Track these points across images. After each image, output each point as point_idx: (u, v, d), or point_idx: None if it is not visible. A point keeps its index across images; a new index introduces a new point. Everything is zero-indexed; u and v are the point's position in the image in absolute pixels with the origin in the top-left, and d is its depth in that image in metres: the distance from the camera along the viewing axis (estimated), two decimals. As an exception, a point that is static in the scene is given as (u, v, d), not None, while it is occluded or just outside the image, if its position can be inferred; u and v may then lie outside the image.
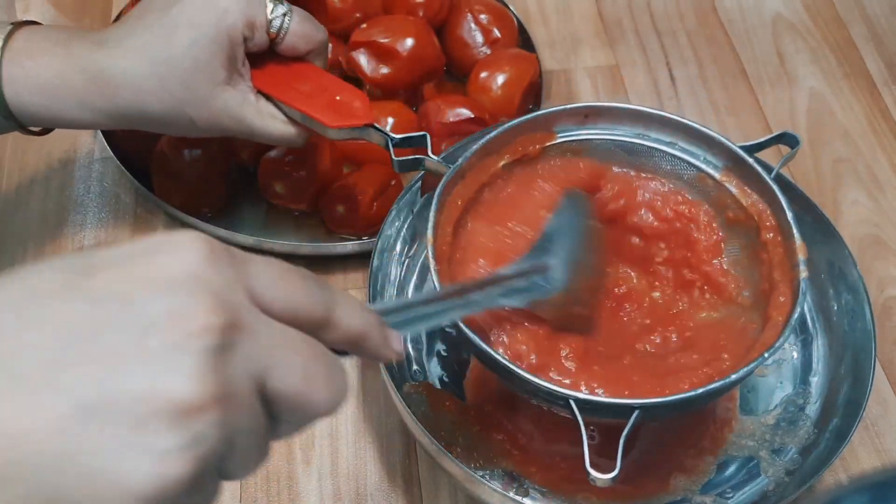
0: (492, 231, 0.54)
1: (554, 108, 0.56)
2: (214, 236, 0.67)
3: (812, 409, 0.58)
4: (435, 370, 0.60)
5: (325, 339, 0.31)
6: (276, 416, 0.30)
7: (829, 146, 0.76)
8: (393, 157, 0.56)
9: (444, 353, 0.61)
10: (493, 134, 0.54)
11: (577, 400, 0.45)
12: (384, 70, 0.71)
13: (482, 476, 0.52)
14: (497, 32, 0.75)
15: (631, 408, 0.45)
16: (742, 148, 0.54)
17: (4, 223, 0.69)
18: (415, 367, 0.59)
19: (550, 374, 0.49)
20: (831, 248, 0.59)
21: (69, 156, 0.72)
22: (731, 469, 0.56)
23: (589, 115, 0.56)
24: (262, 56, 0.56)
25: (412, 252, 0.62)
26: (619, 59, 0.81)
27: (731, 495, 0.55)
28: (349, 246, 0.65)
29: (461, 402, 0.58)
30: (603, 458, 0.44)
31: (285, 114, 0.56)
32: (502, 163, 0.55)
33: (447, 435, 0.55)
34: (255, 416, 0.28)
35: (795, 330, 0.61)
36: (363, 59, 0.71)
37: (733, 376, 0.46)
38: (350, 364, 0.62)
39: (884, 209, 0.72)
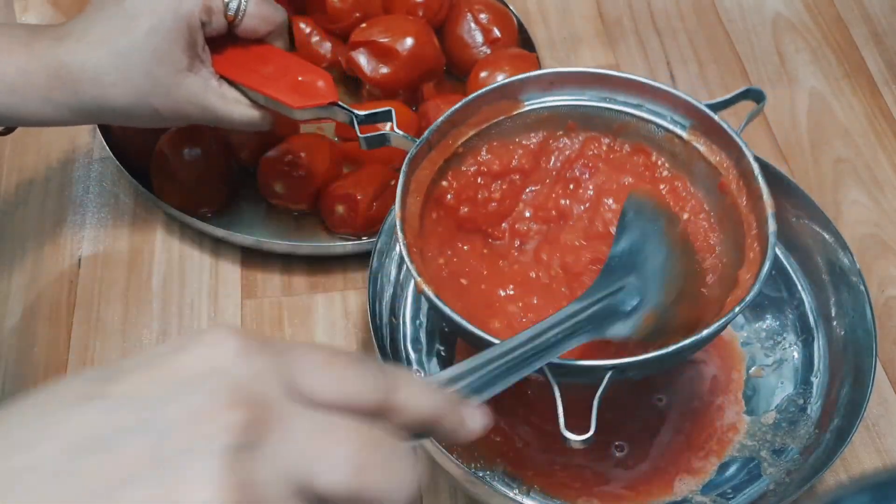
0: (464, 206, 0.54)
1: (519, 76, 0.56)
2: (214, 236, 0.68)
3: (813, 409, 0.58)
4: (435, 370, 0.59)
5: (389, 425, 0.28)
6: None
7: (829, 146, 0.76)
8: (359, 133, 0.55)
9: (443, 353, 0.60)
10: (458, 105, 0.54)
11: (549, 364, 0.44)
12: (384, 70, 0.70)
13: (482, 476, 0.52)
14: (497, 32, 0.75)
15: (603, 368, 0.44)
16: (707, 106, 0.54)
17: (3, 224, 0.69)
18: (415, 367, 0.59)
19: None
20: (831, 248, 0.59)
21: (68, 156, 0.72)
22: (732, 469, 0.56)
23: (554, 82, 0.56)
24: (223, 40, 0.56)
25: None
26: (619, 58, 0.81)
27: (731, 496, 0.55)
28: (349, 246, 0.65)
29: None
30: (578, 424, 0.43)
31: (249, 98, 0.56)
32: (471, 132, 0.55)
33: None
34: None
35: (796, 329, 0.61)
36: (363, 59, 0.71)
37: (705, 332, 0.45)
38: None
39: (884, 209, 0.72)
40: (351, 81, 0.75)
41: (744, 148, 0.52)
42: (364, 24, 0.72)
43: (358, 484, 0.25)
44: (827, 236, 0.59)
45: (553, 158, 0.57)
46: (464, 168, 0.55)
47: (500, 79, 0.59)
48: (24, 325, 0.63)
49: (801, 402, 0.58)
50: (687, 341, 0.45)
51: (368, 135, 0.55)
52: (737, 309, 0.46)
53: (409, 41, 0.70)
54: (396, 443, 0.27)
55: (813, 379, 0.59)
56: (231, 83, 0.56)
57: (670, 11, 0.85)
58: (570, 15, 0.84)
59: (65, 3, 0.83)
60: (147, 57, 0.52)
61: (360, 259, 0.67)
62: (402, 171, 0.51)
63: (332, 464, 0.25)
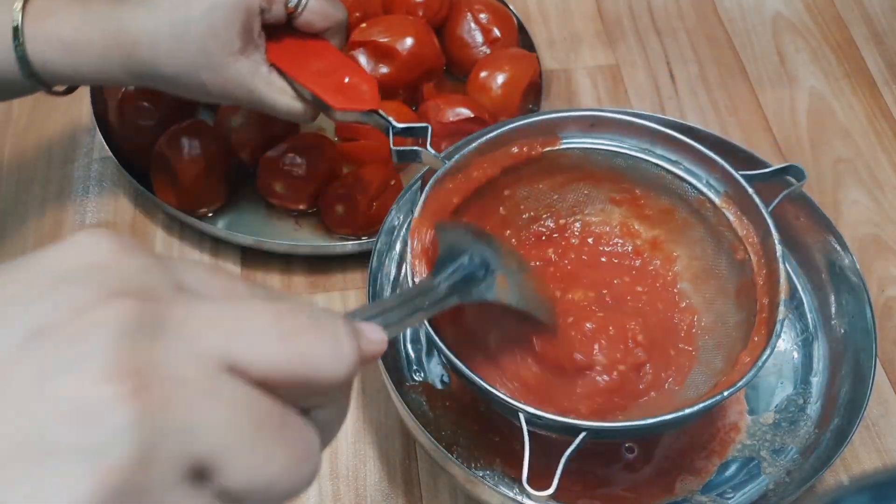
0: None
1: (560, 113, 0.55)
2: (214, 236, 0.68)
3: (813, 408, 0.58)
4: (435, 370, 0.59)
5: None
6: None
7: (829, 146, 0.76)
8: (392, 146, 0.55)
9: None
10: (494, 133, 0.53)
11: (526, 413, 0.44)
12: (384, 70, 0.70)
13: (482, 476, 0.52)
14: (497, 32, 0.75)
15: (578, 428, 0.44)
16: (745, 176, 0.52)
17: (3, 223, 0.69)
18: (414, 367, 0.59)
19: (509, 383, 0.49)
20: (831, 248, 0.59)
21: (68, 156, 0.72)
22: (732, 469, 0.56)
23: (595, 125, 0.55)
24: (279, 29, 0.57)
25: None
26: (619, 58, 0.81)
27: (731, 495, 0.55)
28: (348, 246, 0.65)
29: (460, 401, 0.58)
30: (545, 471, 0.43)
31: (295, 90, 0.57)
32: (506, 162, 0.54)
33: (447, 435, 0.55)
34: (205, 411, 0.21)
35: (796, 329, 0.61)
36: (363, 59, 0.71)
37: (687, 411, 0.44)
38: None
39: (884, 209, 0.72)
40: (351, 81, 0.75)
41: (772, 228, 0.51)
42: (364, 24, 0.72)
43: (289, 352, 0.23)
44: (827, 236, 0.59)
45: (577, 202, 0.57)
46: (488, 197, 0.55)
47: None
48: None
49: (800, 402, 0.58)
50: (668, 416, 0.44)
51: (400, 148, 0.55)
52: (725, 393, 0.45)
53: (409, 41, 0.70)
54: (319, 310, 0.24)
55: (813, 379, 0.59)
56: (280, 73, 0.56)
57: (670, 11, 0.85)
58: (570, 15, 0.84)
59: None
60: (202, 32, 0.53)
61: (360, 259, 0.67)
62: (425, 189, 0.50)
63: (254, 335, 0.22)
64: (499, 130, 0.53)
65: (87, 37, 0.53)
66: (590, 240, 0.57)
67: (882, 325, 0.65)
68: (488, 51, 0.74)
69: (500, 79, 0.71)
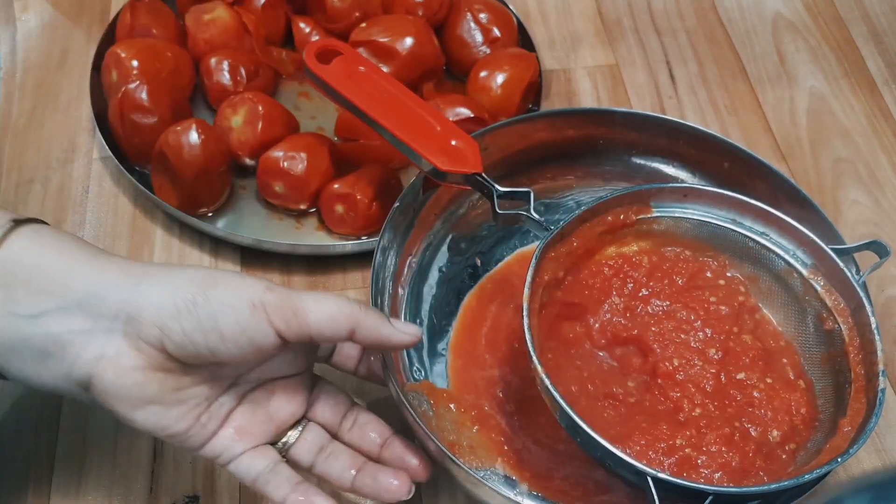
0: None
1: (655, 185, 0.58)
2: (213, 236, 0.68)
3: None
4: (438, 369, 0.60)
5: None
6: None
7: (829, 146, 0.76)
8: (497, 208, 0.57)
9: (443, 353, 0.61)
10: (593, 202, 0.56)
11: (655, 479, 0.45)
12: (384, 69, 0.70)
13: (483, 476, 0.52)
14: (497, 32, 0.75)
15: (706, 493, 0.46)
16: (832, 250, 0.55)
17: (3, 223, 0.69)
18: (416, 366, 0.59)
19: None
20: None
21: (68, 156, 0.72)
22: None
23: (688, 195, 0.57)
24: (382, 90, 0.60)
25: (414, 251, 0.62)
26: (618, 58, 0.81)
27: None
28: (348, 246, 0.65)
29: (461, 401, 0.58)
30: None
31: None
32: (599, 230, 0.57)
33: (448, 434, 0.55)
34: None
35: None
36: (363, 59, 0.71)
37: (807, 477, 0.47)
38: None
39: (884, 209, 0.72)
40: (351, 81, 0.75)
41: (865, 300, 0.53)
42: (364, 24, 0.72)
43: None
44: (827, 236, 0.59)
45: (666, 271, 0.58)
46: (588, 265, 0.58)
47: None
48: (24, 324, 0.63)
49: None
50: (787, 482, 0.47)
51: (505, 211, 0.57)
52: (840, 460, 0.48)
53: (409, 41, 0.70)
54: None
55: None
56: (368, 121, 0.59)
57: (670, 11, 0.85)
58: (570, 15, 0.84)
59: (65, 3, 0.83)
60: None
61: (360, 259, 0.67)
62: (535, 257, 0.52)
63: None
64: (598, 199, 0.56)
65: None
66: (682, 313, 0.57)
67: (882, 324, 0.65)
68: (488, 51, 0.74)
69: (500, 79, 0.71)
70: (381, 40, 0.70)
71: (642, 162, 0.65)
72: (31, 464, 0.57)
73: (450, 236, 0.64)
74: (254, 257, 0.67)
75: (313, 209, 0.68)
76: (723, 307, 0.56)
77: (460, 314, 0.63)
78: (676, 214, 0.58)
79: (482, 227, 0.65)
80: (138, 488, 0.56)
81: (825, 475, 0.48)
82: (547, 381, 0.48)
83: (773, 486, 0.47)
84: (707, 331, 0.55)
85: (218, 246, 0.68)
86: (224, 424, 0.47)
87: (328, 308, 0.45)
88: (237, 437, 0.47)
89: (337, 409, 0.51)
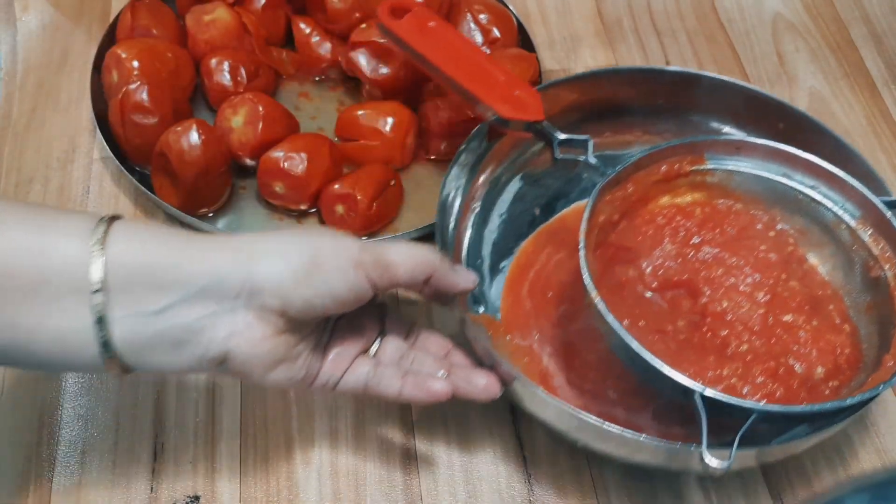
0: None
1: (709, 137, 0.61)
2: (214, 236, 0.67)
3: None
4: (492, 305, 0.62)
5: None
6: None
7: (828, 146, 0.76)
8: (558, 154, 0.60)
9: (497, 291, 0.64)
10: (648, 150, 0.59)
11: (703, 396, 0.48)
12: (384, 70, 0.71)
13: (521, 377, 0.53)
14: (497, 32, 0.75)
15: (750, 411, 0.48)
16: (883, 202, 0.57)
17: (4, 223, 0.69)
18: (476, 300, 0.62)
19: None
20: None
21: (68, 156, 0.72)
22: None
23: (741, 148, 0.60)
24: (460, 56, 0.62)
25: (477, 195, 0.65)
26: (618, 58, 0.81)
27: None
28: (349, 246, 0.65)
29: (514, 334, 0.61)
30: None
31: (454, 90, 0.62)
32: (654, 178, 0.59)
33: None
34: None
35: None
36: (363, 60, 0.71)
37: (849, 401, 0.49)
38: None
39: (884, 209, 0.72)
40: (351, 81, 0.75)
41: None
42: (364, 25, 0.72)
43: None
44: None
45: (717, 221, 0.61)
46: (642, 211, 0.60)
47: (689, 139, 0.62)
48: (24, 324, 0.63)
49: None
50: (829, 404, 0.49)
51: (565, 156, 0.60)
52: (882, 386, 0.49)
53: (408, 41, 0.70)
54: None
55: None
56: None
57: (670, 11, 0.85)
58: (570, 15, 0.84)
59: (65, 3, 0.83)
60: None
61: (360, 259, 0.67)
62: (591, 197, 0.55)
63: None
64: (652, 149, 0.59)
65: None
66: (732, 259, 0.59)
67: (881, 325, 0.65)
68: (488, 51, 0.74)
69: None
70: (382, 41, 0.70)
71: (699, 121, 0.67)
72: (31, 464, 0.57)
73: (512, 185, 0.67)
74: (254, 257, 0.67)
75: (313, 209, 0.68)
76: (772, 254, 0.59)
77: (516, 257, 0.66)
78: (729, 167, 0.60)
79: (543, 179, 0.68)
80: (139, 488, 0.56)
81: (869, 400, 0.49)
82: (601, 306, 0.50)
83: (815, 407, 0.49)
84: (756, 276, 0.58)
85: (218, 246, 0.68)
86: (325, 358, 0.52)
87: (412, 261, 0.50)
88: (336, 363, 0.52)
89: (402, 326, 0.56)
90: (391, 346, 0.55)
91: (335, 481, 0.57)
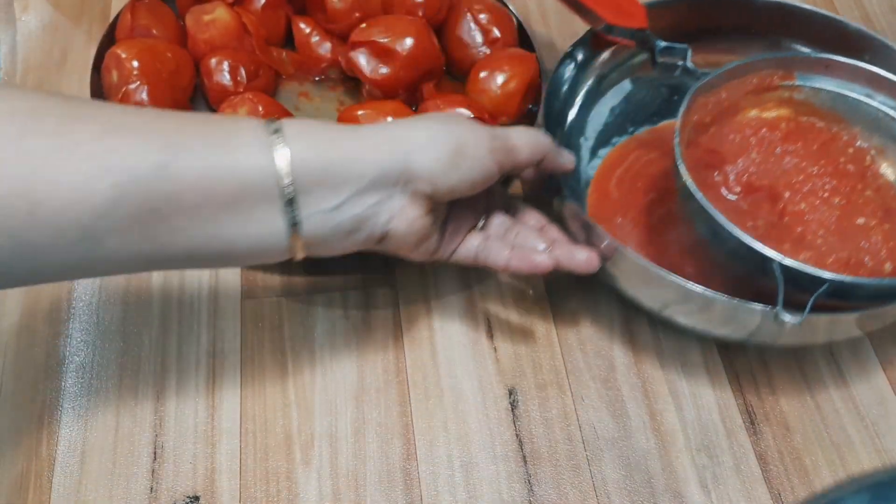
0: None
1: (800, 53, 0.68)
2: (214, 236, 0.67)
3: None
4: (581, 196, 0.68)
5: None
6: None
7: (829, 146, 0.76)
8: (658, 59, 0.68)
9: (587, 181, 0.69)
10: (743, 62, 0.65)
11: (781, 265, 0.53)
12: (384, 70, 0.71)
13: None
14: (497, 32, 0.75)
15: (823, 280, 0.53)
16: None
17: (4, 223, 0.69)
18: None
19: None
20: None
21: (68, 156, 0.72)
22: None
23: (829, 66, 0.66)
24: None
25: (580, 93, 0.73)
26: (618, 58, 0.81)
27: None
28: (349, 246, 0.65)
29: (601, 221, 0.66)
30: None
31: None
32: (745, 89, 0.65)
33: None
34: None
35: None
36: (362, 59, 0.71)
37: None
38: (351, 366, 0.62)
39: (884, 209, 0.72)
40: (350, 81, 0.75)
41: None
42: (364, 24, 0.72)
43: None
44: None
45: (801, 135, 0.66)
46: (731, 119, 0.66)
47: (500, 80, 0.68)
48: (24, 324, 0.63)
49: None
50: None
51: (664, 60, 0.67)
52: None
53: (408, 41, 0.70)
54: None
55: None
56: None
57: None
58: (570, 15, 0.84)
59: (64, 3, 0.83)
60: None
61: (360, 259, 0.67)
62: (687, 96, 0.61)
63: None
64: (745, 61, 0.65)
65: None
66: (813, 168, 0.64)
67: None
68: (488, 51, 0.74)
69: (500, 79, 0.71)
70: (381, 41, 0.70)
71: (789, 46, 0.73)
72: (31, 464, 0.57)
73: (614, 90, 0.74)
74: (254, 257, 0.67)
75: (313, 209, 0.68)
76: (850, 166, 0.64)
77: (604, 158, 0.71)
78: (816, 85, 0.66)
79: (643, 93, 0.74)
80: (138, 488, 0.56)
81: None
82: (691, 185, 0.56)
83: (885, 281, 0.54)
84: (833, 183, 0.63)
85: (218, 246, 0.68)
86: (445, 232, 0.58)
87: (532, 145, 0.57)
88: (453, 236, 0.59)
89: (504, 202, 0.62)
90: (497, 220, 0.61)
91: (335, 481, 0.57)
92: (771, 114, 0.67)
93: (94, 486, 0.57)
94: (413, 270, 0.67)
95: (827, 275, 0.52)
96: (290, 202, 0.49)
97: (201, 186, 0.46)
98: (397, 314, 0.65)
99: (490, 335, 0.64)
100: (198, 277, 0.66)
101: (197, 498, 0.56)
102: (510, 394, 0.61)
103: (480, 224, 0.60)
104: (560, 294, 0.66)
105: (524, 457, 0.58)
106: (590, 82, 0.73)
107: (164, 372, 0.61)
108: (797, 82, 0.66)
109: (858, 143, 0.65)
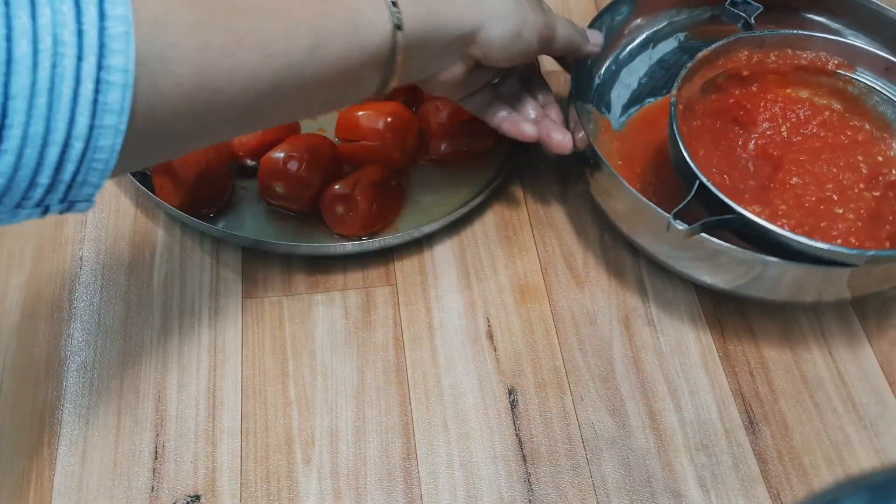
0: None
1: (866, 47, 0.67)
2: (214, 236, 0.68)
3: None
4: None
5: None
6: None
7: (827, 146, 0.76)
8: (727, 6, 0.68)
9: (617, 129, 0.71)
10: (802, 32, 0.66)
11: (700, 182, 0.57)
12: (384, 70, 0.71)
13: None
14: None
15: (732, 210, 0.56)
16: None
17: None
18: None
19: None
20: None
21: (69, 156, 0.72)
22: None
23: (889, 69, 0.66)
24: None
25: (621, 45, 0.76)
26: (618, 59, 0.81)
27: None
28: (349, 246, 0.66)
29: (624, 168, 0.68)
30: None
31: None
32: (797, 62, 0.66)
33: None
34: None
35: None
36: (363, 60, 0.71)
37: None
38: (352, 366, 0.62)
39: (882, 209, 0.72)
40: (351, 82, 0.75)
41: None
42: (364, 25, 0.72)
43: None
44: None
45: (841, 129, 0.66)
46: (774, 86, 0.67)
47: (847, 39, 0.69)
48: (25, 324, 0.63)
49: None
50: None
51: (733, 9, 0.68)
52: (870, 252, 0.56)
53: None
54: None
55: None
56: None
57: None
58: (570, 15, 0.84)
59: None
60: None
61: (360, 259, 0.67)
62: (733, 36, 0.64)
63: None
64: (808, 33, 0.66)
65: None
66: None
67: (879, 324, 0.66)
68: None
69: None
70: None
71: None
72: (33, 463, 0.58)
73: (660, 47, 0.76)
74: (255, 257, 0.67)
75: (313, 209, 0.68)
76: (865, 167, 0.63)
77: (640, 109, 0.74)
78: (871, 84, 0.66)
79: (683, 58, 0.75)
80: (139, 488, 0.57)
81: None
82: (672, 108, 0.60)
83: (786, 232, 0.55)
84: (840, 177, 0.63)
85: (218, 246, 0.68)
86: (466, 78, 0.60)
87: (568, 38, 0.64)
88: (469, 84, 0.62)
89: (521, 68, 0.66)
90: (509, 83, 0.66)
91: (335, 480, 0.57)
92: (821, 101, 0.67)
93: (95, 486, 0.57)
94: (413, 270, 0.67)
95: (736, 207, 0.55)
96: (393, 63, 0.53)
97: (338, 66, 0.49)
98: (397, 314, 0.65)
99: (490, 335, 0.64)
100: (199, 277, 0.66)
101: (198, 497, 0.57)
102: (510, 393, 0.61)
103: (494, 81, 0.65)
104: (560, 294, 0.66)
105: (524, 456, 0.59)
106: (626, 40, 0.76)
107: (166, 371, 0.62)
108: (855, 75, 0.66)
109: (893, 152, 0.65)
